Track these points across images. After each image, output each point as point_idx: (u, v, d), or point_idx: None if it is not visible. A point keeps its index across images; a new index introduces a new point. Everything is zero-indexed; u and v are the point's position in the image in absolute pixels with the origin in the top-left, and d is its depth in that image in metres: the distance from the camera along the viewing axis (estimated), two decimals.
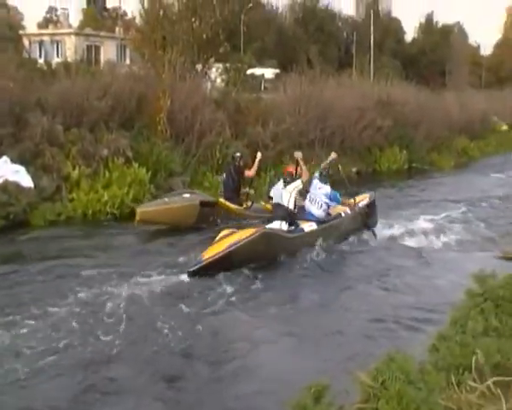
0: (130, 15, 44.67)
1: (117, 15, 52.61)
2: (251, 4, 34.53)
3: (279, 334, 7.58)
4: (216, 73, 21.14)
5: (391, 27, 62.94)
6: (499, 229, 13.94)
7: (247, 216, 12.22)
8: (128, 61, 32.09)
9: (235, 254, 9.10)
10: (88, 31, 44.77)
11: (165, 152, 15.13)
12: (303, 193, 11.26)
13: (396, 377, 4.73)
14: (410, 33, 67.14)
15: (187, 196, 12.19)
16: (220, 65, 21.60)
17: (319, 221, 10.96)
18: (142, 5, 22.29)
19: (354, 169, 21.44)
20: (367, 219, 12.25)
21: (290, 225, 10.54)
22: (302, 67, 23.96)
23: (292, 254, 10.04)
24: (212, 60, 21.69)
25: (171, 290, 8.42)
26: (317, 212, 11.09)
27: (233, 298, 8.33)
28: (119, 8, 51.00)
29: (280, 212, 10.62)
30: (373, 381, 4.83)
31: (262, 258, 9.54)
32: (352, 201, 11.88)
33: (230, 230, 9.84)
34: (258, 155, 13.64)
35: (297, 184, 10.77)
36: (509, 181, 21.62)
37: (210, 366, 6.48)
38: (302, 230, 10.62)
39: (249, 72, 22.41)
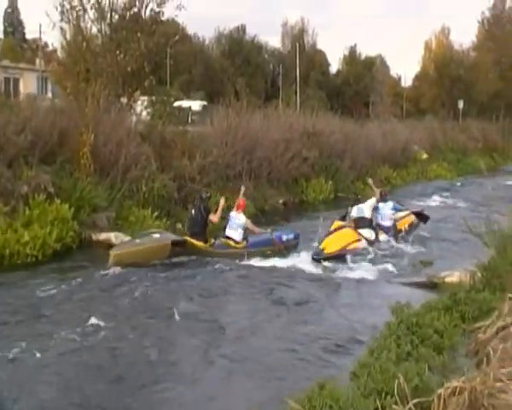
0: (51, 47, 43.84)
1: (37, 47, 51.49)
2: (177, 37, 34.26)
3: (207, 362, 7.52)
4: (141, 106, 20.76)
5: (316, 59, 64.26)
6: (424, 255, 14.22)
7: (212, 253, 12.74)
8: (49, 94, 31.20)
9: (344, 254, 13.06)
10: (6, 63, 43.31)
11: (89, 187, 14.70)
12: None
13: (326, 404, 4.71)
14: (334, 65, 68.83)
15: (157, 236, 12.43)
16: (146, 98, 21.26)
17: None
18: (64, 37, 21.71)
19: (281, 200, 21.55)
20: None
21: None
22: (229, 99, 23.95)
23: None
24: (137, 93, 21.39)
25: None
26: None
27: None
28: (40, 39, 49.73)
29: (363, 223, 14.42)
30: (302, 408, 4.78)
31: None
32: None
33: (342, 223, 14.31)
34: (222, 201, 13.97)
35: (372, 202, 15.16)
36: (428, 209, 22.18)
37: (132, 396, 6.39)
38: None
39: (176, 104, 22.21)
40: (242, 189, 14.89)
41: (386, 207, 15.40)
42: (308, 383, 5.46)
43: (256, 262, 12.75)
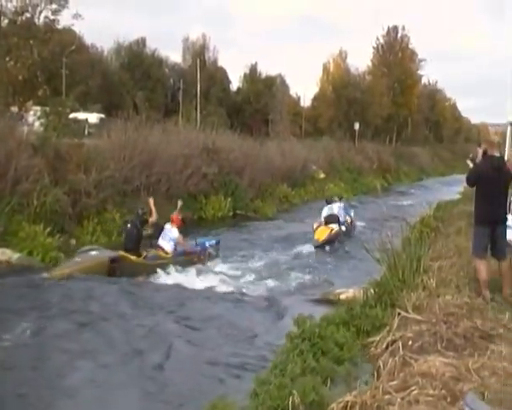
0: None
1: None
2: (74, 46, 33.58)
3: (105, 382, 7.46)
4: (34, 116, 20.16)
5: (217, 76, 64.48)
6: (319, 273, 14.63)
7: (145, 265, 13.58)
8: None
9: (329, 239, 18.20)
10: None
11: None
12: None
13: None
14: (235, 82, 69.31)
15: (94, 253, 12.94)
16: (39, 108, 20.63)
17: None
18: None
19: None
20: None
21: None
22: (128, 113, 23.74)
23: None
24: (29, 102, 20.83)
25: None
26: None
27: None
28: None
29: (332, 219, 19.29)
30: None
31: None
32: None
33: (317, 224, 19.27)
34: (150, 200, 15.15)
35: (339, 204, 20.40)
36: None
37: None
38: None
39: (71, 116, 21.66)
40: (179, 204, 16.22)
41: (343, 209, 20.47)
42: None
43: (175, 277, 13.42)
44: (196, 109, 51.74)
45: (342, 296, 10.79)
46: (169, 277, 13.38)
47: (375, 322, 8.15)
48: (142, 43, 61.39)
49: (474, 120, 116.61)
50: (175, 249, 14.51)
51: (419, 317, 7.53)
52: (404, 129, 77.53)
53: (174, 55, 67.54)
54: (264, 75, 68.24)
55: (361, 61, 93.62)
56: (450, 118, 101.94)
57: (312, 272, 14.94)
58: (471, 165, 9.16)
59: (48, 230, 14.83)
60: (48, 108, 20.01)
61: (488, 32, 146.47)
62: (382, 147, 57.68)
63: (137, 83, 55.55)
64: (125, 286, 12.07)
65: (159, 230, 14.62)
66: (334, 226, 18.95)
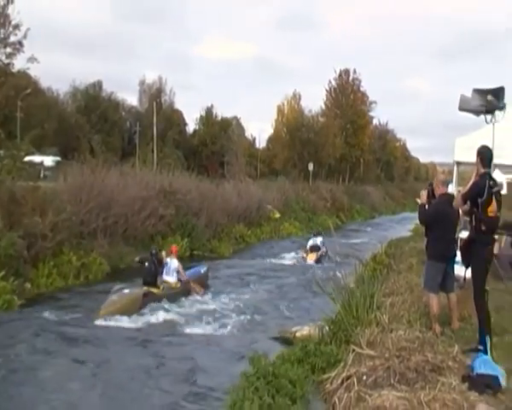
0: None
1: None
2: (29, 90, 33.31)
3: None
4: None
5: (173, 118, 64.70)
6: (276, 310, 14.73)
7: (165, 295, 15.30)
8: None
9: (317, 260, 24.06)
10: None
11: None
12: None
13: None
14: (191, 125, 69.55)
15: (127, 291, 14.58)
16: None
17: None
18: None
19: (137, 258, 21.18)
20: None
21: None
22: (85, 156, 23.68)
23: None
24: None
25: None
26: None
27: None
28: None
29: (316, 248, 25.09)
30: None
31: None
32: None
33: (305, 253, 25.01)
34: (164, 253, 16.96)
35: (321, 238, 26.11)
36: (282, 266, 22.94)
37: None
38: None
39: (27, 159, 21.40)
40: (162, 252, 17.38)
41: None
42: None
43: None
44: (153, 151, 51.88)
45: (298, 334, 10.82)
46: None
47: (329, 359, 8.23)
48: (98, 86, 61.43)
49: (423, 159, 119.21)
50: (179, 280, 16.18)
51: (372, 352, 7.62)
52: (356, 168, 78.84)
53: (131, 97, 67.92)
54: (219, 117, 68.78)
55: (314, 103, 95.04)
56: (401, 157, 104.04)
57: (269, 309, 15.04)
58: (419, 202, 9.40)
59: (2, 273, 14.50)
60: (2, 152, 19.77)
61: (432, 77, 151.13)
62: (336, 186, 58.42)
63: (94, 126, 55.44)
64: None
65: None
66: (318, 252, 24.73)
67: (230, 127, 68.87)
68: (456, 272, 9.09)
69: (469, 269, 8.31)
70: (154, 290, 15.12)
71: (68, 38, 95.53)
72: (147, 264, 15.70)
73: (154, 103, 59.76)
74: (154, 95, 65.05)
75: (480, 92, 8.98)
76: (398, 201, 77.07)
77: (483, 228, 7.91)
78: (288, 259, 25.77)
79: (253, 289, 17.73)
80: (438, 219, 8.78)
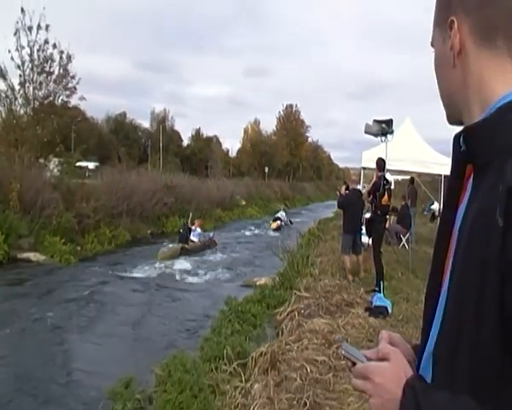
0: None
1: None
2: (79, 118, 33.08)
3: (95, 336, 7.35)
4: (54, 165, 19.81)
5: (174, 137, 64.14)
6: (245, 267, 14.62)
7: (194, 249, 16.75)
8: None
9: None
10: None
11: (15, 220, 13.75)
12: None
13: (177, 368, 4.91)
14: (186, 141, 69.02)
15: (171, 245, 16.25)
16: (57, 159, 20.31)
17: None
18: (0, 116, 20.97)
19: (149, 231, 21.20)
20: None
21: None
22: (114, 162, 23.41)
23: None
24: (50, 156, 20.59)
25: None
26: None
27: None
28: None
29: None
30: (163, 372, 4.96)
31: None
32: None
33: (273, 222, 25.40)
34: (196, 220, 18.66)
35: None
36: (248, 237, 22.90)
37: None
38: None
39: (77, 164, 21.18)
40: (190, 215, 19.20)
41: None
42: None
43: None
44: (160, 159, 51.17)
45: (258, 283, 10.72)
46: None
47: (279, 299, 8.35)
48: (123, 115, 60.61)
49: (341, 165, 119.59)
50: (199, 240, 17.49)
51: (308, 294, 7.78)
52: (297, 171, 78.84)
53: (145, 122, 66.68)
54: (205, 136, 68.24)
55: (269, 126, 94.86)
56: (327, 164, 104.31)
57: (240, 266, 14.95)
58: (338, 194, 9.73)
59: (63, 241, 14.48)
60: (62, 159, 19.74)
61: (347, 109, 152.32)
62: (283, 183, 58.34)
63: (120, 142, 54.58)
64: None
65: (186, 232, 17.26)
66: (278, 222, 25.05)
67: (212, 142, 68.51)
68: (362, 239, 9.46)
69: (371, 238, 8.70)
70: (186, 246, 16.47)
71: (104, 82, 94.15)
72: (181, 230, 17.14)
73: (161, 127, 59.20)
74: (161, 121, 64.13)
75: (378, 122, 9.14)
76: (325, 193, 77.10)
77: (378, 212, 8.32)
78: (252, 231, 25.46)
79: (228, 254, 17.63)
80: (348, 205, 9.08)
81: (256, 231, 25.46)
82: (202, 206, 27.53)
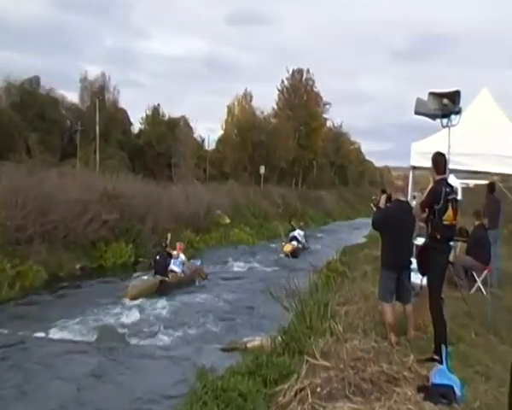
0: None
1: None
2: None
3: None
4: None
5: (117, 117, 63.78)
6: (224, 322, 14.79)
7: (172, 284, 18.73)
8: None
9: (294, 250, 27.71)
10: None
11: None
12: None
13: None
14: (137, 124, 68.88)
15: (146, 277, 18.37)
16: None
17: None
18: None
19: (78, 266, 21.11)
20: None
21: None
22: (20, 156, 23.28)
23: None
24: None
25: None
26: None
27: None
28: None
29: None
30: None
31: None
32: None
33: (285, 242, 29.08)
34: (168, 235, 21.38)
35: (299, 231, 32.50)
36: (233, 274, 23.00)
37: None
38: None
39: None
40: (169, 236, 21.21)
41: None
42: None
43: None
44: (95, 152, 51.18)
45: (249, 345, 10.95)
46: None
47: (282, 370, 8.24)
48: (35, 81, 60.11)
49: (378, 163, 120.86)
50: (182, 271, 19.46)
51: (327, 363, 7.68)
52: (309, 172, 79.22)
53: (71, 94, 66.70)
54: (166, 117, 68.14)
55: (266, 103, 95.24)
56: (355, 161, 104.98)
57: (219, 319, 15.09)
58: (374, 208, 9.55)
59: None
60: None
61: (387, 75, 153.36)
62: (288, 190, 58.77)
63: (30, 124, 54.03)
64: None
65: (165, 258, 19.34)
66: (294, 244, 29.19)
67: (178, 127, 68.29)
68: (412, 279, 9.28)
69: (426, 277, 8.50)
70: (166, 279, 18.32)
71: (3, 29, 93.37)
72: (158, 257, 18.90)
73: (97, 101, 58.83)
74: (97, 92, 63.99)
75: (436, 96, 9.12)
76: (353, 206, 77.89)
77: (438, 236, 8.10)
78: (240, 266, 25.76)
79: (203, 298, 17.82)
80: (390, 225, 8.93)
81: (249, 265, 25.95)
82: (162, 225, 27.61)
